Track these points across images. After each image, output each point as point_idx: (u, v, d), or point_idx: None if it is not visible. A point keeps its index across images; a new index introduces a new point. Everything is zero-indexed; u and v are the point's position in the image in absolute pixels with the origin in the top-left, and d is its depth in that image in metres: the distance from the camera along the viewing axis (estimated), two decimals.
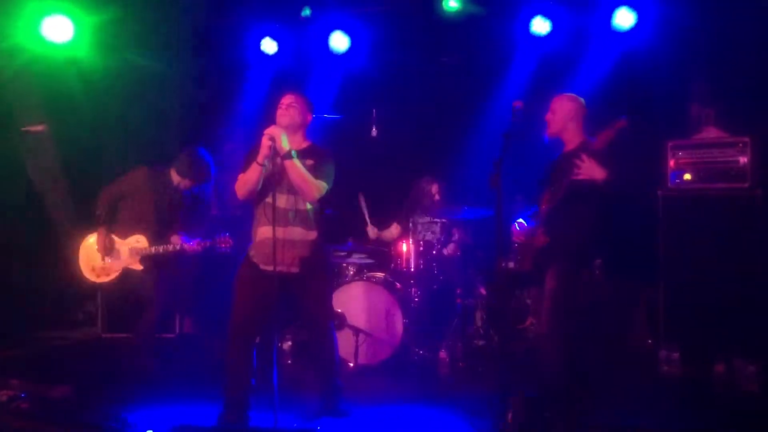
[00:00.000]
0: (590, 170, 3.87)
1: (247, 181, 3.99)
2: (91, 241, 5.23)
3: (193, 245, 5.09)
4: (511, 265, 5.79)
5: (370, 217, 6.24)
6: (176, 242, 5.13)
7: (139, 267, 5.13)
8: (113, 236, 5.15)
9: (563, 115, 4.22)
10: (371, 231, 6.26)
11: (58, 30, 5.94)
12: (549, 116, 4.27)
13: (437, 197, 6.21)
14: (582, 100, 4.30)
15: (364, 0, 6.32)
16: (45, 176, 6.55)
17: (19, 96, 6.17)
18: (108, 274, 5.18)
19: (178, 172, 5.23)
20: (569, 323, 3.96)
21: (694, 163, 5.25)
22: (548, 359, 3.98)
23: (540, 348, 4.12)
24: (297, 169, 3.93)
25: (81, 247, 5.25)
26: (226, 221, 6.77)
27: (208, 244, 5.07)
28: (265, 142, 3.85)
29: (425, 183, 6.24)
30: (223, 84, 6.87)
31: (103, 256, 5.12)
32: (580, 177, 3.89)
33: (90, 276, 5.21)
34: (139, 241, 5.13)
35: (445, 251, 6.08)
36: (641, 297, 5.61)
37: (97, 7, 5.95)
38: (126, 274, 5.16)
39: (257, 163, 3.90)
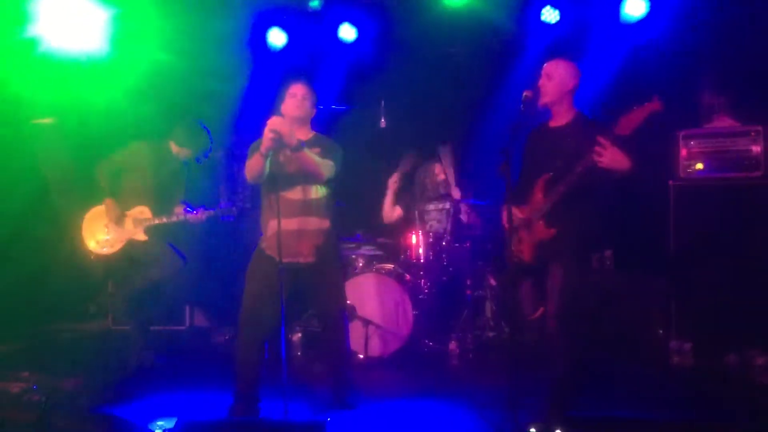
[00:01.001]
0: (613, 159, 3.48)
1: (251, 168, 4.00)
2: (94, 213, 5.20)
3: (196, 214, 5.06)
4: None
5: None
6: (179, 212, 5.11)
7: (143, 237, 5.09)
8: (118, 208, 5.13)
9: (560, 84, 3.82)
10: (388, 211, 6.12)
11: (76, 24, 5.97)
12: (543, 82, 3.84)
13: (441, 176, 6.15)
14: (579, 69, 3.91)
15: None
16: (55, 168, 6.57)
17: (30, 90, 6.19)
18: (112, 246, 5.13)
19: (177, 143, 5.24)
20: (579, 321, 3.79)
21: (706, 152, 5.21)
22: (556, 353, 3.81)
23: (547, 342, 3.90)
24: (308, 158, 3.93)
25: (84, 221, 5.22)
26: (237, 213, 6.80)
27: (212, 212, 5.05)
28: (267, 134, 3.83)
29: (428, 166, 6.19)
30: (232, 75, 6.86)
31: (113, 225, 5.10)
32: (602, 165, 3.50)
33: (94, 249, 5.14)
34: (142, 212, 5.10)
35: (462, 217, 6.00)
36: (652, 287, 5.57)
37: (109, 2, 5.96)
38: (130, 245, 5.12)
39: (260, 153, 3.89)
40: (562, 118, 3.89)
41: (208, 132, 5.35)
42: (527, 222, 3.87)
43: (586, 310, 3.89)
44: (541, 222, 3.81)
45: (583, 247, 3.85)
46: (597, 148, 3.50)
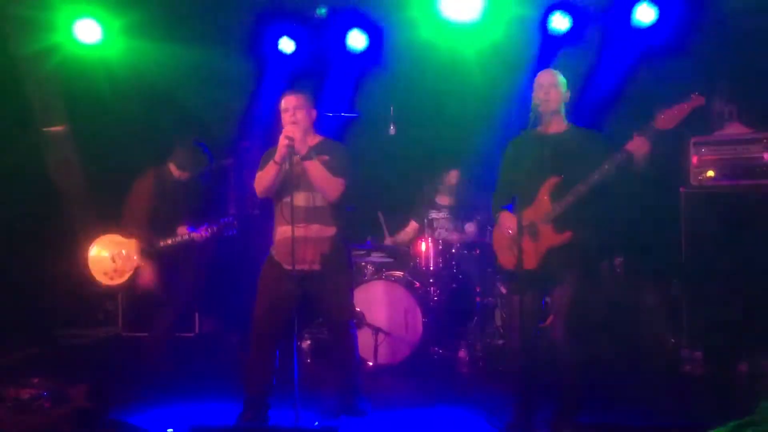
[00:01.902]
0: (640, 145, 3.56)
1: (263, 178, 4.02)
2: (99, 246, 5.27)
3: (200, 232, 5.04)
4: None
5: (388, 231, 6.28)
6: (183, 233, 5.11)
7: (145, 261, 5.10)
8: (119, 236, 5.17)
9: (562, 93, 3.86)
10: (388, 239, 6.31)
11: (88, 31, 6.04)
12: (551, 91, 3.82)
13: (454, 181, 6.20)
14: None
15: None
16: (65, 176, 6.60)
17: (43, 97, 6.23)
18: (121, 276, 5.18)
19: (178, 166, 5.26)
20: (585, 330, 3.79)
21: (717, 159, 5.18)
22: (562, 362, 3.79)
23: (554, 350, 3.85)
24: (318, 169, 3.94)
25: (89, 259, 5.27)
26: (245, 220, 6.81)
27: (215, 229, 5.03)
28: (283, 141, 3.85)
29: (443, 173, 6.23)
30: (242, 82, 6.89)
31: (119, 255, 5.13)
32: (630, 148, 3.56)
33: (104, 280, 5.22)
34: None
35: (466, 228, 6.02)
36: (663, 295, 5.55)
37: (123, 8, 6.01)
38: (139, 272, 5.15)
39: (274, 161, 3.91)
40: (557, 125, 3.88)
41: (207, 151, 5.38)
42: (532, 227, 3.76)
43: (593, 319, 3.87)
44: (549, 226, 3.74)
45: (591, 256, 3.82)
46: (632, 141, 3.55)
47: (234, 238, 5.14)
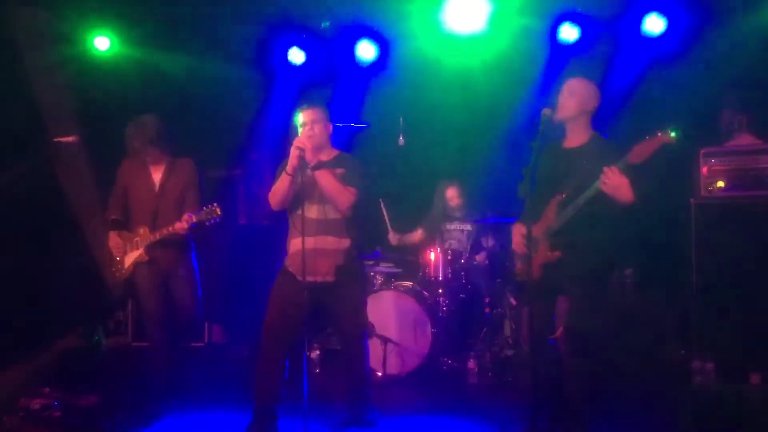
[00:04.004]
0: (618, 189, 3.49)
1: (276, 191, 4.05)
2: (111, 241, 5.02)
3: (181, 224, 4.67)
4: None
5: (391, 223, 6.24)
6: (170, 225, 4.77)
7: (145, 258, 4.86)
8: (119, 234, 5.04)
9: (581, 102, 3.81)
10: (393, 237, 6.25)
11: (99, 42, 6.11)
12: (564, 97, 3.82)
13: (455, 201, 6.20)
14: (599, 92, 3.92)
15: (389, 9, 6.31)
16: (76, 187, 6.62)
17: (54, 107, 6.27)
18: (126, 271, 5.00)
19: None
20: (592, 344, 3.75)
21: (727, 170, 5.16)
22: (569, 375, 3.79)
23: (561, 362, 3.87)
24: (328, 178, 3.96)
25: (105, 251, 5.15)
26: (255, 231, 6.83)
27: (194, 218, 4.63)
28: (294, 152, 3.87)
29: (443, 186, 6.24)
30: (251, 93, 6.92)
31: (121, 251, 4.99)
32: (606, 190, 3.52)
33: (111, 276, 5.06)
34: (144, 232, 4.87)
35: (476, 258, 6.05)
36: (674, 306, 5.52)
37: (133, 20, 6.06)
38: (137, 266, 4.90)
39: (286, 173, 3.93)
40: (577, 138, 3.86)
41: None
42: (536, 241, 3.79)
43: (599, 333, 3.84)
44: (545, 243, 3.78)
45: (594, 271, 3.77)
46: (602, 175, 3.51)
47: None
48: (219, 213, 4.55)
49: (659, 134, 3.45)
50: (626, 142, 3.63)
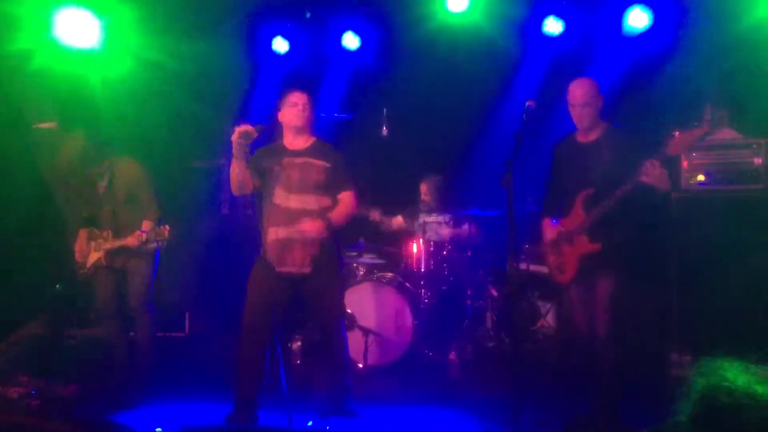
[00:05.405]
0: (660, 179, 3.67)
1: (231, 176, 4.08)
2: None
3: (133, 239, 4.59)
4: (524, 266, 5.76)
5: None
6: (125, 237, 4.73)
7: (104, 263, 4.82)
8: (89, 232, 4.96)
9: (595, 106, 3.98)
10: (374, 213, 6.04)
11: (80, 34, 6.00)
12: (582, 109, 3.97)
13: (427, 197, 6.18)
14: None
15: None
16: (57, 173, 6.55)
17: (32, 96, 6.20)
18: (87, 268, 4.91)
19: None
20: (627, 331, 4.00)
21: (707, 164, 5.19)
22: (605, 364, 3.96)
23: (591, 354, 4.06)
24: (342, 214, 4.10)
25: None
26: (238, 220, 6.79)
27: (144, 237, 4.54)
28: (235, 138, 3.90)
29: (419, 181, 6.24)
30: (236, 82, 6.88)
31: (87, 249, 4.94)
32: (647, 181, 3.68)
33: (79, 273, 5.01)
34: (107, 237, 4.85)
35: (459, 231, 6.00)
36: (653, 299, 5.55)
37: (116, 6, 5.99)
38: (95, 267, 4.89)
39: (234, 156, 3.98)
40: (592, 132, 4.02)
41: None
42: (569, 235, 3.99)
43: (632, 322, 3.98)
44: (584, 237, 3.93)
45: (627, 261, 3.98)
46: (648, 166, 3.65)
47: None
48: (166, 236, 4.46)
49: (696, 127, 3.68)
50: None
